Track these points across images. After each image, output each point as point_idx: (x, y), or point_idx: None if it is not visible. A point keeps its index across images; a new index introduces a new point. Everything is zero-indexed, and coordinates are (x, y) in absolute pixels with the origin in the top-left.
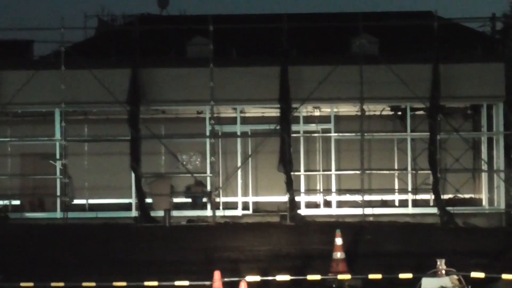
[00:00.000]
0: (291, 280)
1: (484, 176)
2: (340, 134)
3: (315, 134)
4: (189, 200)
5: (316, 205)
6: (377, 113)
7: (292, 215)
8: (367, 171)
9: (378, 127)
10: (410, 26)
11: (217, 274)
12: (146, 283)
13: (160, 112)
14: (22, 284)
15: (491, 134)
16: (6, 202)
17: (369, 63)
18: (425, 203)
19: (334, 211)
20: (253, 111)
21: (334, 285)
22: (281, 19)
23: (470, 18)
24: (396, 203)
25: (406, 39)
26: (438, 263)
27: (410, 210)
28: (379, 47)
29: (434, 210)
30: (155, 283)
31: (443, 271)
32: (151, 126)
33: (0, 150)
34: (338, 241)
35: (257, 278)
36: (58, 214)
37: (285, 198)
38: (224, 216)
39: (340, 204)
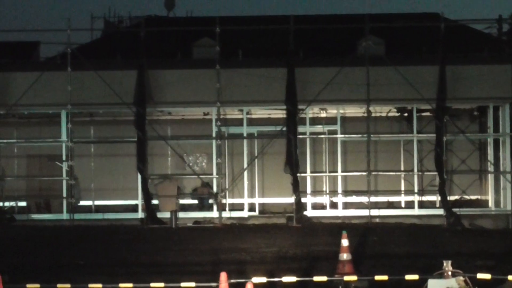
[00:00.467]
0: (297, 281)
1: (490, 178)
2: (347, 135)
3: (322, 136)
4: (196, 201)
5: (322, 207)
6: (384, 114)
7: (299, 217)
8: (374, 173)
9: (384, 128)
10: (416, 28)
11: (223, 276)
12: (152, 285)
13: (166, 113)
14: (28, 285)
15: (497, 136)
16: (13, 203)
17: (376, 65)
18: (431, 205)
19: (340, 212)
20: (260, 112)
21: (340, 287)
22: (288, 20)
23: (476, 19)
24: (403, 205)
25: (412, 40)
26: (445, 264)
27: (416, 211)
28: (385, 49)
29: (441, 212)
30: (161, 285)
31: (450, 273)
32: (157, 128)
33: (7, 151)
34: (345, 242)
35: (263, 279)
36: (65, 216)
37: (291, 199)
38: (230, 218)
39: (347, 206)
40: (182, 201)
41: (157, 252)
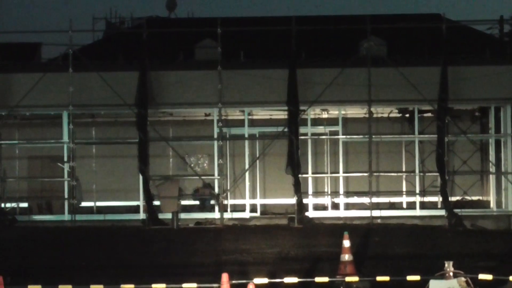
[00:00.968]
0: (299, 282)
1: (492, 178)
2: (348, 136)
3: (323, 137)
4: (197, 202)
5: (324, 207)
6: (385, 115)
7: (300, 217)
8: (375, 174)
9: (386, 129)
10: (418, 29)
11: (225, 277)
12: (154, 286)
13: (168, 114)
14: (29, 286)
15: (499, 136)
16: (14, 204)
17: (377, 66)
18: (433, 205)
19: (342, 213)
20: (261, 113)
21: (342, 287)
22: (290, 21)
23: (478, 20)
24: (404, 206)
25: (414, 41)
26: (446, 265)
27: (418, 212)
28: (387, 50)
29: (442, 212)
30: (163, 286)
31: (451, 273)
32: (159, 129)
33: (8, 152)
34: (346, 243)
35: (265, 280)
36: (66, 217)
37: (293, 200)
38: (232, 219)
39: (348, 206)
40: (183, 202)
41: (158, 253)
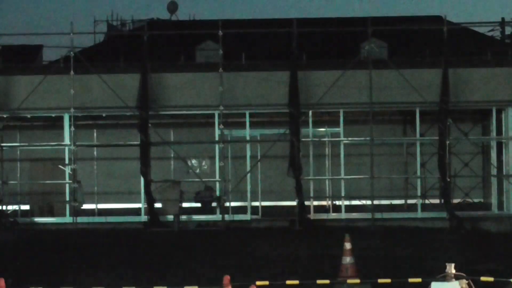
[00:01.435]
0: (300, 284)
1: (493, 181)
2: (350, 138)
3: (325, 139)
4: (199, 204)
5: (325, 210)
6: (387, 117)
7: (302, 220)
8: (376, 176)
9: (387, 131)
10: (419, 31)
11: (226, 279)
12: None
13: (169, 117)
14: None
15: (500, 139)
16: (16, 207)
17: (379, 68)
18: (434, 208)
19: (343, 215)
20: (263, 115)
21: None
22: (291, 24)
23: (479, 22)
24: (406, 208)
25: (415, 43)
26: (448, 267)
27: (419, 214)
28: (388, 52)
29: (444, 215)
30: None
31: (453, 275)
32: (160, 131)
33: (10, 155)
34: (347, 245)
35: (266, 283)
36: (68, 219)
37: (294, 202)
38: (233, 221)
39: (349, 209)
40: (185, 205)
41: (160, 255)
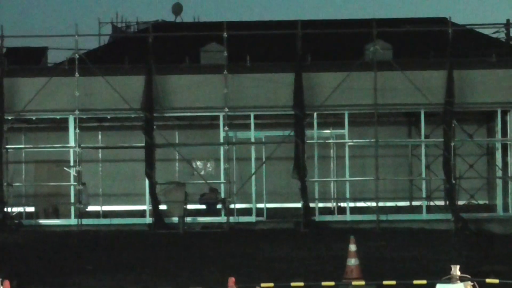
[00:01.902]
0: (305, 286)
1: (498, 182)
2: (355, 140)
3: (329, 141)
4: (203, 206)
5: (330, 211)
6: (391, 119)
7: (306, 222)
8: (381, 178)
9: (392, 133)
10: (424, 33)
11: (231, 281)
12: None
13: (174, 119)
14: None
15: (505, 140)
16: (20, 209)
17: (383, 70)
18: (439, 209)
19: (348, 217)
20: (267, 117)
21: None
22: (295, 25)
23: (484, 24)
24: (411, 209)
25: (420, 45)
26: (453, 269)
27: (424, 216)
28: (393, 54)
29: (449, 216)
30: None
31: (458, 277)
32: (165, 133)
33: (15, 157)
34: (352, 247)
35: (271, 284)
36: (72, 221)
37: (299, 204)
38: (238, 223)
39: (354, 211)
40: (190, 206)
41: (165, 257)
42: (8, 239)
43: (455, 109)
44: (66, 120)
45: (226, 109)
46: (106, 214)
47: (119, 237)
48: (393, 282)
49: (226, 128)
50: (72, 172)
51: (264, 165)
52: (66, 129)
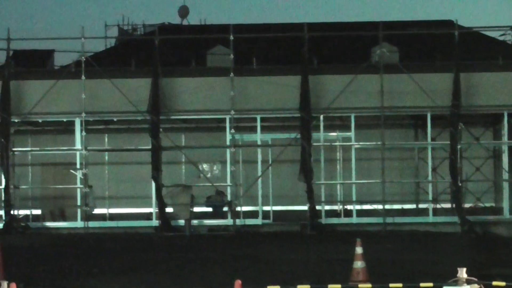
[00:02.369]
0: None
1: (505, 185)
2: (361, 143)
3: (336, 144)
4: (210, 209)
5: (336, 214)
6: (398, 122)
7: (313, 224)
8: (388, 181)
9: (398, 136)
10: (430, 35)
11: (237, 284)
12: None
13: (180, 121)
14: None
15: None
16: (27, 211)
17: (390, 72)
18: (445, 212)
19: (354, 220)
20: (274, 120)
21: None
22: (302, 28)
23: (491, 27)
24: (417, 212)
25: (426, 48)
26: (459, 272)
27: (430, 219)
28: (399, 56)
29: (455, 219)
30: None
31: (464, 280)
32: (171, 136)
33: (21, 159)
34: (359, 250)
35: (277, 287)
36: (79, 224)
37: (305, 207)
38: (244, 225)
39: (361, 213)
40: (196, 209)
41: (171, 259)
42: (14, 242)
43: (462, 112)
44: (72, 123)
45: (233, 112)
46: (113, 217)
47: (125, 240)
48: (400, 285)
49: (233, 131)
50: (79, 174)
51: (270, 167)
52: (72, 131)
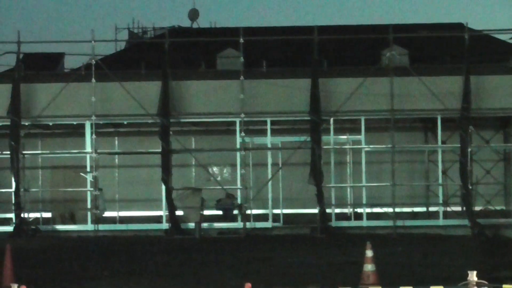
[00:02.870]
0: None
1: None
2: (371, 146)
3: (346, 146)
4: (220, 212)
5: (346, 217)
6: (408, 125)
7: (323, 227)
8: (398, 184)
9: (408, 139)
10: (440, 38)
11: (247, 287)
12: None
13: (190, 124)
14: None
15: None
16: (37, 214)
17: (400, 75)
18: (456, 215)
19: (364, 223)
20: (284, 123)
21: None
22: (312, 31)
23: (500, 30)
24: (427, 215)
25: (436, 51)
26: (469, 275)
27: (441, 222)
28: (409, 59)
29: (465, 222)
30: None
31: (474, 283)
32: (181, 139)
33: (31, 162)
34: (369, 253)
35: None
36: (89, 227)
37: (315, 210)
38: (254, 228)
39: (371, 216)
40: (206, 212)
41: (181, 263)
42: (25, 245)
43: (472, 115)
44: (82, 126)
45: (243, 115)
46: (123, 220)
47: (136, 243)
48: None
49: (243, 134)
50: (89, 177)
51: (280, 170)
52: (82, 134)
